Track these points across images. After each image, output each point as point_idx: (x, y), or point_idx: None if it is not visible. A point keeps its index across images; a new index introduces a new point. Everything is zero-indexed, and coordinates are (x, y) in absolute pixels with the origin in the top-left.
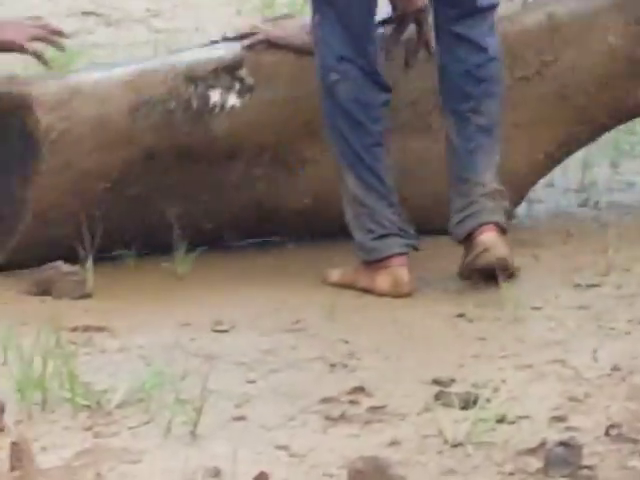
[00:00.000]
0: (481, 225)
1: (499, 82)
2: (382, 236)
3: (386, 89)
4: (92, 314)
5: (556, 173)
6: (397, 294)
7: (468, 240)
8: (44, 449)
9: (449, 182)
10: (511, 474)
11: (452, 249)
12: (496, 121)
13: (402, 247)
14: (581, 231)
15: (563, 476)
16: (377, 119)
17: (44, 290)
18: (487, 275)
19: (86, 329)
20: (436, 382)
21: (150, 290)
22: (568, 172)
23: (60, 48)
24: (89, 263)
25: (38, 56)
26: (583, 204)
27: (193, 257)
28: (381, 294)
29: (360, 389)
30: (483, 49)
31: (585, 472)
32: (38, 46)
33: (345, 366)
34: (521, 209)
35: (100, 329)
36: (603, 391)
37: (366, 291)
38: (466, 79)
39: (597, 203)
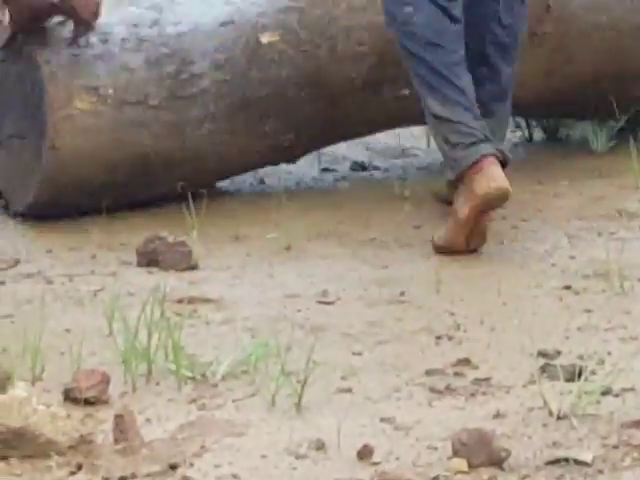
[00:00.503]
0: (485, 156)
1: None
2: (472, 143)
3: (457, 20)
4: (197, 286)
5: None
6: (496, 190)
7: (469, 174)
8: (149, 421)
9: None
10: (615, 447)
11: (559, 226)
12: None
13: (492, 149)
14: None
15: None
16: (454, 44)
17: (150, 261)
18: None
19: (191, 301)
20: (541, 354)
21: (255, 262)
22: None
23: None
24: (194, 234)
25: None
26: None
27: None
28: (481, 194)
29: (465, 361)
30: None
31: None
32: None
33: (450, 338)
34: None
35: (205, 301)
36: None
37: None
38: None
39: None
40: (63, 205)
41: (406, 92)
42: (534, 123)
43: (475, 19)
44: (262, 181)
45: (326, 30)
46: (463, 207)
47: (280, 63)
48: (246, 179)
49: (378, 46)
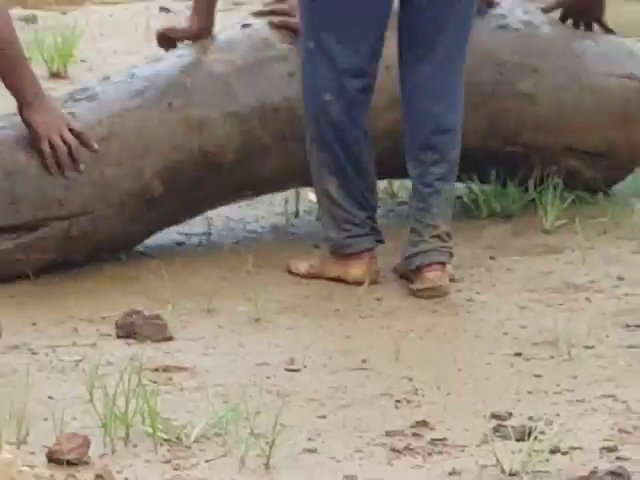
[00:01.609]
0: (429, 264)
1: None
2: (357, 235)
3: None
4: (172, 355)
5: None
6: (370, 279)
7: (417, 272)
8: None
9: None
10: None
11: (511, 298)
12: (455, 167)
13: (373, 243)
14: (634, 276)
15: None
16: (362, 125)
17: (128, 333)
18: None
19: (166, 369)
20: (494, 416)
21: (227, 333)
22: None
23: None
24: (169, 308)
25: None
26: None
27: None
28: (354, 281)
29: (423, 423)
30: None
31: None
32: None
33: (409, 402)
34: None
35: (180, 369)
36: None
37: (337, 280)
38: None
39: None
40: None
41: None
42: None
43: (418, 107)
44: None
45: None
46: (333, 274)
47: None
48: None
49: None
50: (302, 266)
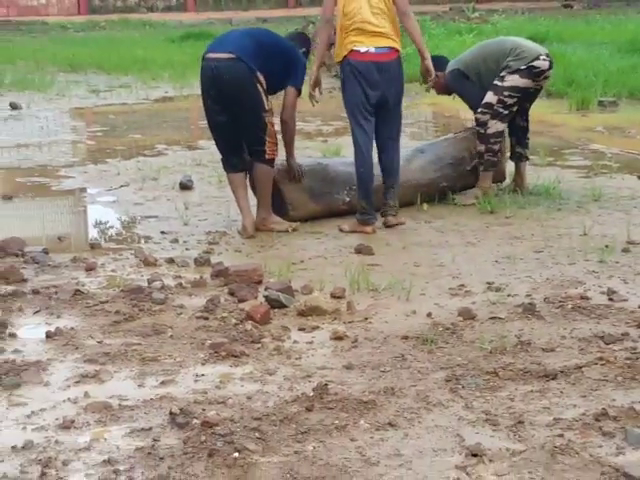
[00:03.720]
0: (386, 215)
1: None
2: (369, 216)
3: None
4: None
5: None
6: (372, 232)
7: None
8: None
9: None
10: None
11: None
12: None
13: (375, 219)
14: None
15: None
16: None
17: None
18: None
19: None
20: None
21: None
22: None
23: None
24: None
25: None
26: None
27: None
28: (363, 232)
29: None
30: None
31: None
32: None
33: None
34: None
35: None
36: None
37: (361, 232)
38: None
39: None
40: None
41: None
42: None
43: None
44: None
45: None
46: (358, 229)
47: None
48: None
49: None
50: (346, 226)
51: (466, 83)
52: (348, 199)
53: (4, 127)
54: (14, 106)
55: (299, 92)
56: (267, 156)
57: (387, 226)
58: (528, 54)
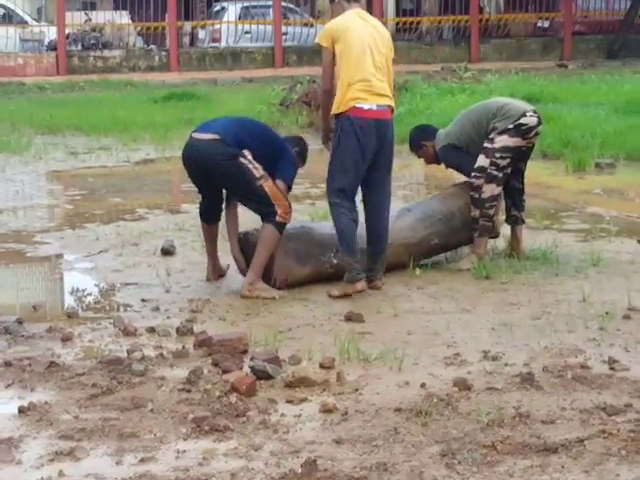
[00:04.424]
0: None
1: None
2: (356, 271)
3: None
4: None
5: None
6: (362, 290)
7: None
8: None
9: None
10: None
11: None
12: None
13: (364, 274)
14: None
15: None
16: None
17: None
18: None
19: None
20: None
21: None
22: None
23: None
24: None
25: None
26: None
27: None
28: (354, 291)
29: None
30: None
31: None
32: None
33: None
34: None
35: None
36: None
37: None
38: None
39: None
40: None
41: None
42: None
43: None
44: None
45: None
46: (348, 290)
47: None
48: None
49: None
50: (334, 291)
51: (458, 154)
52: (335, 261)
53: None
54: None
55: (289, 188)
56: (279, 218)
57: (373, 288)
58: (514, 112)
